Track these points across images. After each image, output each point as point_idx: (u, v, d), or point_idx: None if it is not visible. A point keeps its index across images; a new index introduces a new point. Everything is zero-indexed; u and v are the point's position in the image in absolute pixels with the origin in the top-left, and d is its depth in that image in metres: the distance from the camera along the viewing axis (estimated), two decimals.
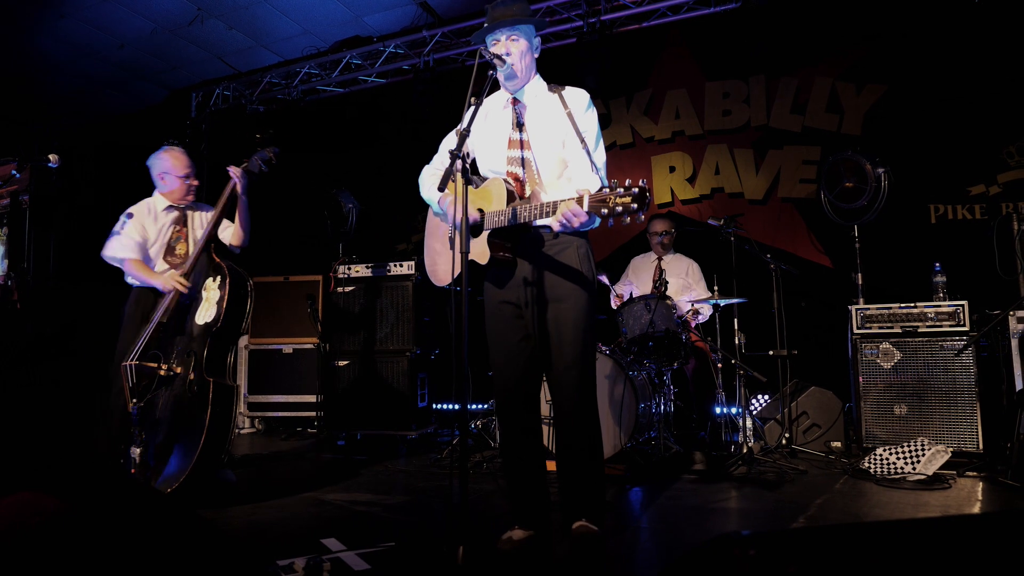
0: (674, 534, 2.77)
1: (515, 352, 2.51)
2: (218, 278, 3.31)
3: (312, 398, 5.63)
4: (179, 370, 3.22)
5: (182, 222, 3.67)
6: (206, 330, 3.25)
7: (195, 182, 3.67)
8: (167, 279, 3.39)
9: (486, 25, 2.51)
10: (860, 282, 4.40)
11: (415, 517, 3.03)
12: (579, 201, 2.14)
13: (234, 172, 3.55)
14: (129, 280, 3.58)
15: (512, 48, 2.47)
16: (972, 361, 3.84)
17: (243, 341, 6.06)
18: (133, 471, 3.07)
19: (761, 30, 5.48)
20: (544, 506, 2.54)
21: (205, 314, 3.27)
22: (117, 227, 3.55)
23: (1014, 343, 3.81)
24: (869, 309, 4.12)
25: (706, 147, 5.88)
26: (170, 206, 3.65)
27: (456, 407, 5.61)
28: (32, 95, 7.14)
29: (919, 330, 3.97)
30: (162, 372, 3.22)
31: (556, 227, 2.23)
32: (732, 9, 5.48)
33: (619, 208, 2.04)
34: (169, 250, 3.61)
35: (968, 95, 4.93)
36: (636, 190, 2.03)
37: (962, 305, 3.92)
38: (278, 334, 5.93)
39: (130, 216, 3.60)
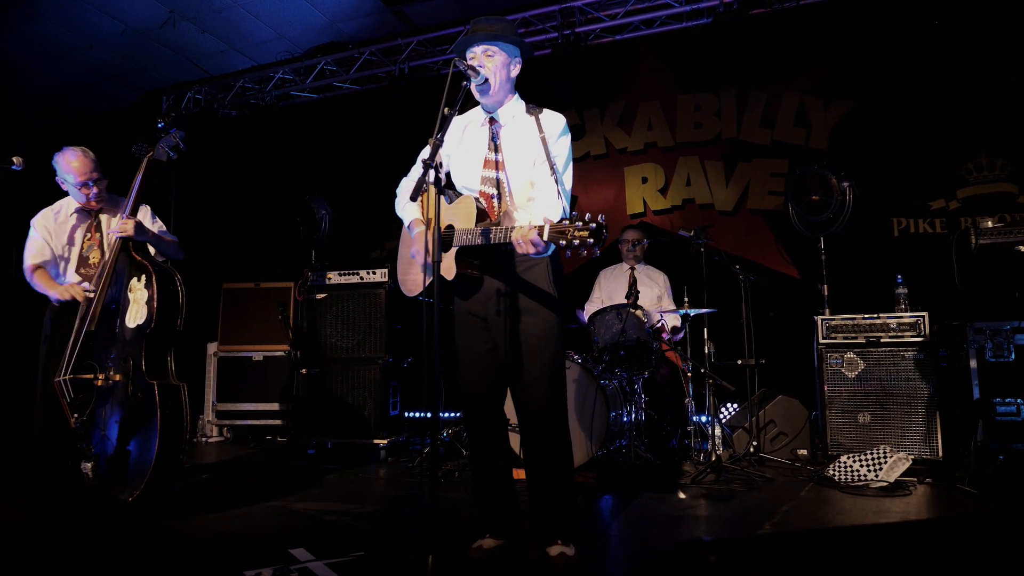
0: (643, 541, 2.79)
1: (482, 362, 2.52)
2: (143, 277, 3.17)
3: (282, 406, 5.57)
4: (118, 378, 3.11)
5: (94, 228, 3.49)
6: (139, 333, 3.12)
7: (95, 189, 3.42)
8: (63, 290, 3.28)
9: (465, 37, 2.53)
10: (826, 293, 4.50)
11: (385, 526, 3.01)
12: (540, 230, 2.17)
13: (117, 229, 3.24)
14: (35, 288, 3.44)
15: (487, 62, 2.48)
16: (932, 371, 3.94)
17: (212, 348, 5.98)
18: (88, 486, 3.00)
19: (732, 45, 5.60)
20: (514, 515, 2.56)
21: (136, 316, 3.14)
22: (29, 240, 3.44)
23: (972, 353, 3.93)
24: (834, 320, 4.21)
25: (678, 159, 5.97)
26: (80, 209, 3.49)
27: (428, 416, 5.58)
28: None
29: (882, 340, 4.07)
30: (99, 382, 3.11)
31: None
32: (704, 24, 5.58)
33: (576, 241, 2.08)
34: (83, 261, 3.44)
35: (930, 113, 5.09)
36: (594, 225, 2.07)
37: (923, 316, 4.03)
38: (248, 341, 5.86)
39: (33, 226, 3.46)
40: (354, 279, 5.22)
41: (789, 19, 5.39)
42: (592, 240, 2.06)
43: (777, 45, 5.55)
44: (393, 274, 5.16)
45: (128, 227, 3.23)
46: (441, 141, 2.26)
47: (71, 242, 3.46)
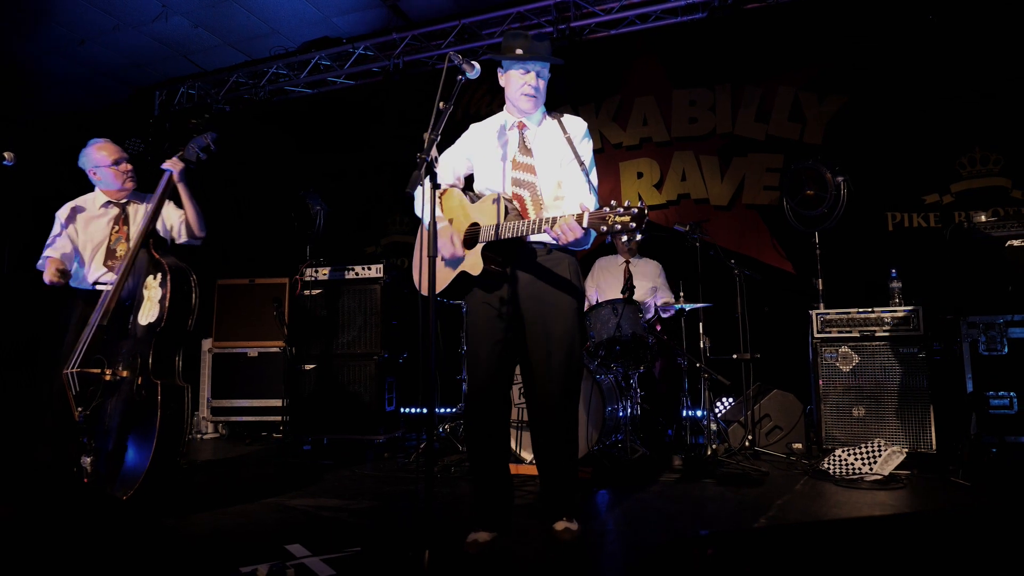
0: (639, 535, 2.80)
1: (494, 355, 2.55)
2: (159, 275, 3.17)
3: (277, 402, 5.56)
4: (125, 374, 3.10)
5: (122, 220, 3.50)
6: (150, 331, 3.12)
7: (129, 166, 3.51)
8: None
9: (519, 52, 2.58)
10: (821, 287, 4.51)
11: (382, 522, 3.01)
12: (579, 218, 2.24)
13: (167, 164, 3.39)
14: (71, 283, 3.45)
15: (540, 84, 2.64)
16: (926, 364, 3.96)
17: (207, 344, 5.96)
18: (85, 480, 2.99)
19: (727, 40, 5.60)
20: (508, 509, 2.58)
21: (148, 314, 3.14)
22: (51, 234, 3.43)
23: (965, 347, 3.94)
24: (829, 314, 4.22)
25: (673, 154, 5.97)
26: (108, 202, 3.51)
27: (424, 411, 5.58)
28: None
29: (876, 334, 4.09)
30: (107, 377, 3.10)
31: (550, 239, 2.34)
32: (699, 19, 5.58)
33: (618, 226, 2.15)
34: (110, 253, 3.45)
35: (924, 108, 5.11)
36: (636, 210, 2.14)
37: (917, 310, 4.05)
38: (243, 337, 5.84)
39: (59, 218, 3.46)
40: (349, 275, 5.21)
41: (783, 14, 5.40)
42: (634, 224, 2.14)
43: (772, 40, 5.56)
44: (389, 269, 5.17)
45: (178, 164, 3.38)
46: (437, 136, 2.26)
47: (98, 235, 3.47)
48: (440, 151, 2.31)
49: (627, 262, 5.06)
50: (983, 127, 4.98)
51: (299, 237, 5.78)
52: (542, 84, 2.65)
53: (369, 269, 5.19)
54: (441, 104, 2.29)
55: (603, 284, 5.09)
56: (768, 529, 2.75)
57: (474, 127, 2.79)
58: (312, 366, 5.12)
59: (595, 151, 6.44)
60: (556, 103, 2.72)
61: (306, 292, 5.26)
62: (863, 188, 4.83)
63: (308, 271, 5.29)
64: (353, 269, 5.21)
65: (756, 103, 5.70)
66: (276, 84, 6.94)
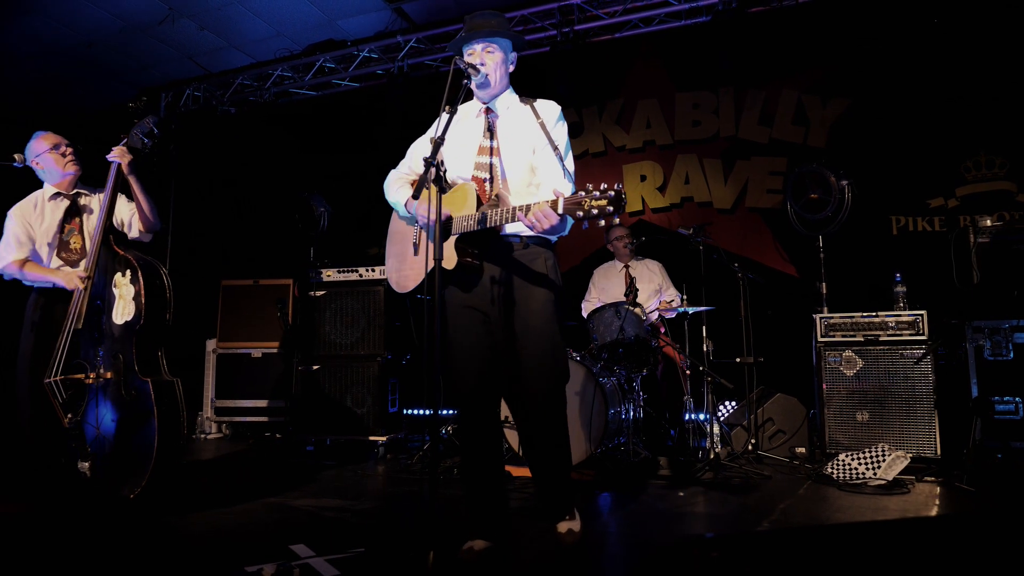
0: (641, 538, 2.80)
1: (479, 358, 2.49)
2: (128, 272, 3.12)
3: (281, 403, 5.56)
4: (109, 375, 3.08)
5: (74, 212, 3.41)
6: (128, 329, 3.08)
7: (69, 150, 3.43)
8: (69, 276, 3.20)
9: (462, 35, 2.54)
10: (824, 291, 4.51)
11: (385, 523, 3.02)
12: (553, 204, 2.17)
13: (114, 155, 3.29)
14: (27, 282, 3.37)
15: (487, 59, 2.50)
16: (930, 369, 3.95)
17: (211, 344, 5.98)
18: (87, 483, 3.00)
19: (731, 43, 5.60)
20: (503, 516, 2.54)
21: (124, 313, 3.09)
22: (6, 238, 3.37)
23: (970, 352, 3.94)
24: (833, 318, 4.22)
25: (676, 157, 5.97)
26: (57, 194, 3.42)
27: (427, 413, 5.57)
28: None
29: (880, 338, 4.08)
30: (90, 380, 3.07)
31: (526, 228, 2.27)
32: (703, 22, 5.58)
33: (594, 211, 2.07)
34: (63, 245, 3.36)
35: (928, 111, 5.10)
36: (612, 193, 2.07)
37: (921, 315, 4.04)
38: (247, 338, 5.86)
39: (11, 217, 3.39)
40: (353, 276, 5.22)
41: (787, 17, 5.40)
42: (612, 208, 2.06)
43: (775, 43, 5.55)
44: None
45: (126, 155, 3.29)
46: (443, 139, 2.25)
47: (51, 229, 3.39)
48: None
49: (627, 267, 5.06)
50: (988, 130, 4.97)
51: (303, 238, 5.79)
52: (491, 60, 2.49)
53: (372, 271, 5.19)
54: (447, 108, 2.29)
55: (605, 292, 5.09)
56: (771, 533, 2.75)
57: (443, 115, 2.74)
58: (315, 367, 5.13)
59: (598, 153, 6.52)
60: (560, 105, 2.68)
61: (309, 293, 5.27)
62: (867, 191, 4.82)
63: (312, 272, 5.30)
64: (356, 270, 5.22)
65: (759, 106, 5.70)
66: (281, 86, 6.96)
